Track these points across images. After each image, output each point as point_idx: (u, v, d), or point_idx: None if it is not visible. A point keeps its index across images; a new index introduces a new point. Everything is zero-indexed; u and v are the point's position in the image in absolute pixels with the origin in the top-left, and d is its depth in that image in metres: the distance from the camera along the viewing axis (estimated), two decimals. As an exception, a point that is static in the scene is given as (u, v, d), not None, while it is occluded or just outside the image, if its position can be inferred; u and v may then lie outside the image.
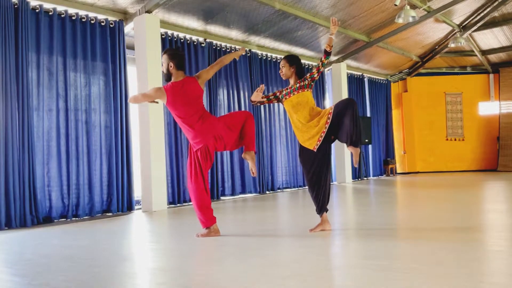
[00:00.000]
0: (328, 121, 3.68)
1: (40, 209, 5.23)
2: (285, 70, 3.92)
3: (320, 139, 3.73)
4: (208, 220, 3.82)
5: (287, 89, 3.92)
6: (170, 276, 2.65)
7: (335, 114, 3.66)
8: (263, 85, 3.89)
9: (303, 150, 3.86)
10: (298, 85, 3.85)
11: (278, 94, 3.98)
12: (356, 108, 3.61)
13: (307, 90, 3.84)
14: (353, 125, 3.58)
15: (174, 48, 4.06)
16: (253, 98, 3.91)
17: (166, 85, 3.79)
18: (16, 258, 3.38)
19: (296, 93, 3.83)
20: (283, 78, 3.96)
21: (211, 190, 7.24)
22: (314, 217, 4.19)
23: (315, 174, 3.83)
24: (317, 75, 3.88)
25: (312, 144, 3.76)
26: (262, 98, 3.96)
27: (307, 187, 3.95)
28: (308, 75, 3.87)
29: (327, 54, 3.80)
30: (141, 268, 2.96)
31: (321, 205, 3.86)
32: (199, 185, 3.77)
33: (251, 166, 3.86)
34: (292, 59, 3.95)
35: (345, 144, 3.78)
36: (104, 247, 3.69)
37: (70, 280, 2.59)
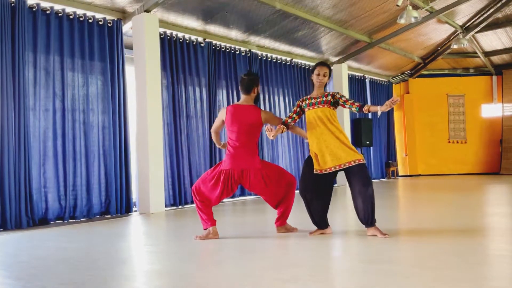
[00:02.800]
0: (348, 164, 3.54)
1: (36, 211, 5.16)
2: (326, 80, 3.78)
3: (332, 169, 3.60)
4: (208, 222, 3.79)
5: (311, 98, 3.76)
6: (167, 279, 2.62)
7: (353, 180, 3.55)
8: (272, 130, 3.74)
9: (310, 162, 3.73)
10: (325, 98, 3.69)
11: (301, 103, 3.82)
12: (371, 193, 3.53)
13: (331, 108, 3.69)
14: (366, 207, 3.53)
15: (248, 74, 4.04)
16: (271, 136, 3.75)
17: (230, 105, 3.97)
18: (11, 260, 3.34)
19: (321, 106, 3.68)
20: (318, 86, 3.75)
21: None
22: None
23: (309, 192, 3.73)
24: (341, 105, 3.71)
25: (323, 167, 3.63)
26: (283, 128, 3.81)
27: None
28: (337, 94, 3.69)
29: (358, 111, 3.64)
30: (138, 271, 2.93)
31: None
32: (206, 187, 3.74)
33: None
34: (330, 70, 3.85)
35: None
36: (100, 249, 3.65)
37: (65, 282, 2.56)
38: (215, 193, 3.74)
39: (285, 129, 3.86)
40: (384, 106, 3.39)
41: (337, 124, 3.69)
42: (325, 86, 3.86)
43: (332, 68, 10.13)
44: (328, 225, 3.85)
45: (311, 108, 3.73)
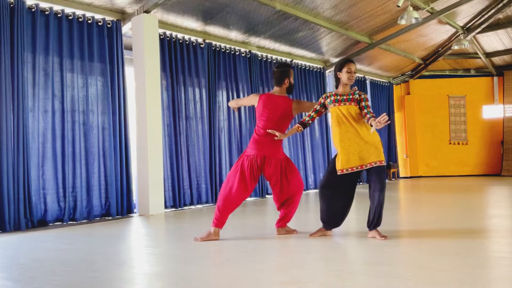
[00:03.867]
0: (369, 165, 3.51)
1: (35, 213, 5.14)
2: (355, 76, 3.72)
3: (354, 169, 3.55)
4: (219, 223, 3.81)
5: (336, 95, 3.67)
6: (167, 281, 2.61)
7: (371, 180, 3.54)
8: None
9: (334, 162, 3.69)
10: (351, 96, 3.62)
11: (324, 100, 3.74)
12: (383, 199, 3.52)
13: (357, 106, 3.60)
14: (375, 210, 3.52)
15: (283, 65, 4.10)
16: (283, 136, 3.81)
17: (264, 93, 4.03)
18: (9, 262, 3.32)
19: (348, 104, 3.60)
20: (348, 83, 3.66)
21: (209, 193, 7.13)
22: (313, 222, 4.12)
23: (327, 188, 3.69)
24: (360, 107, 3.62)
25: (344, 167, 3.57)
26: (298, 127, 3.81)
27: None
28: (363, 96, 3.61)
29: (366, 121, 3.59)
30: (138, 273, 2.91)
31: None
32: (233, 179, 3.80)
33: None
34: None
35: None
36: (99, 251, 3.63)
37: (65, 285, 2.55)
38: (243, 182, 3.76)
39: (301, 129, 3.83)
40: (375, 124, 3.36)
41: (363, 122, 3.61)
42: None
43: (332, 69, 10.11)
44: (337, 226, 3.80)
45: (336, 104, 3.64)
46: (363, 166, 3.54)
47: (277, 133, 3.75)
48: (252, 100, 4.02)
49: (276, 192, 3.93)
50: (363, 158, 3.53)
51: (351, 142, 3.55)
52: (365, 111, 3.58)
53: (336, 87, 3.75)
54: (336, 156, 3.68)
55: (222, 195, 3.80)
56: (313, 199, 7.74)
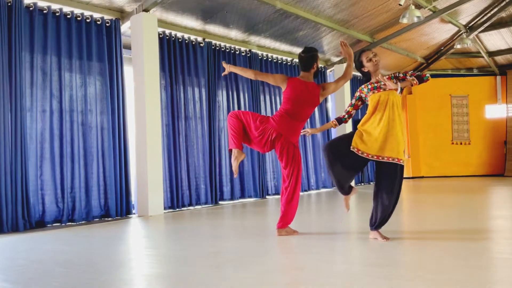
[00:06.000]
0: (386, 159, 3.37)
1: (33, 214, 5.10)
2: (379, 59, 3.57)
3: (369, 156, 3.40)
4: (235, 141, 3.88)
5: (372, 83, 3.54)
6: (167, 283, 2.58)
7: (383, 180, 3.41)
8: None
9: (350, 138, 3.52)
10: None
11: (360, 93, 3.62)
12: (394, 203, 3.43)
13: (396, 92, 3.45)
14: (382, 213, 3.43)
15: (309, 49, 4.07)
16: (312, 132, 3.85)
17: (292, 77, 4.01)
18: (7, 263, 3.29)
19: (386, 89, 3.46)
20: (374, 70, 3.54)
21: (209, 194, 7.07)
22: (314, 222, 4.07)
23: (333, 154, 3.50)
24: (402, 78, 3.54)
25: (361, 148, 3.41)
26: (334, 123, 3.77)
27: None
28: (399, 74, 3.52)
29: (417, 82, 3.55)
30: (137, 275, 2.88)
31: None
32: (251, 119, 3.88)
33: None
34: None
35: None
36: (98, 252, 3.60)
37: (63, 287, 2.54)
38: (255, 132, 3.84)
39: (337, 125, 3.75)
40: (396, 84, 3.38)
41: (400, 111, 3.47)
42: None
43: (333, 68, 10.05)
44: (352, 187, 3.67)
45: (375, 91, 3.51)
46: (379, 157, 3.37)
47: (308, 130, 3.85)
48: (279, 81, 3.96)
49: (282, 180, 3.97)
50: (383, 149, 3.37)
51: (380, 129, 3.40)
52: (409, 75, 3.51)
53: (368, 81, 3.62)
54: (356, 132, 3.51)
55: (238, 120, 3.86)
56: (314, 200, 7.68)
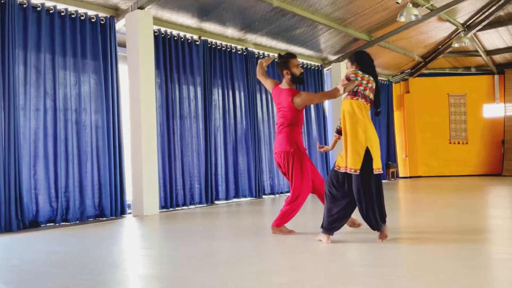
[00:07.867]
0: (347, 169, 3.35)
1: (26, 213, 5.04)
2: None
3: (341, 169, 3.40)
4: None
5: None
6: (162, 284, 2.57)
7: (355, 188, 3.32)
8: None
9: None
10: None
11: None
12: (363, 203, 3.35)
13: (354, 99, 3.45)
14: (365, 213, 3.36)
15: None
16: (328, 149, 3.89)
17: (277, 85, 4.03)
18: (1, 264, 3.28)
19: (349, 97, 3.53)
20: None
21: (204, 193, 7.02)
22: (312, 223, 4.06)
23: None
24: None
25: (339, 164, 3.48)
26: (337, 137, 3.79)
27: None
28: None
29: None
30: (132, 275, 2.87)
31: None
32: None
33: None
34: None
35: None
36: (93, 252, 3.58)
37: (57, 287, 2.53)
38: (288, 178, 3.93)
39: (339, 136, 3.69)
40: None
41: (349, 118, 3.41)
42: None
43: (330, 67, 10.01)
44: (383, 223, 3.44)
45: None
46: (346, 169, 3.37)
47: (325, 147, 3.91)
48: (270, 86, 4.06)
49: (290, 185, 3.96)
50: (342, 159, 3.40)
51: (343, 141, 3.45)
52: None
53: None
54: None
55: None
56: (310, 199, 7.64)
